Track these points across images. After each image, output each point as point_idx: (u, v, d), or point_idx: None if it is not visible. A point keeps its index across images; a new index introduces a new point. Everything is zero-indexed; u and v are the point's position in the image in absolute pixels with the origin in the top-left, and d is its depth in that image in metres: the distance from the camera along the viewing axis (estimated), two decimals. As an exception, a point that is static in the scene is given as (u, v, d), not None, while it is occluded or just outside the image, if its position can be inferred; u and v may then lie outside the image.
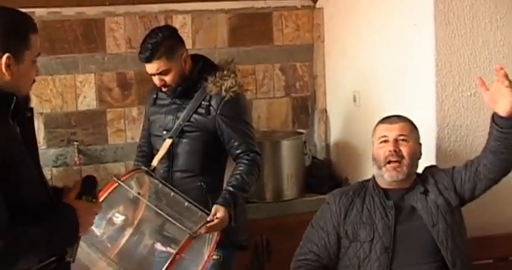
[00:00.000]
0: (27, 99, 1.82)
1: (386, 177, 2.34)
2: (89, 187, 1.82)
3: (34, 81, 1.83)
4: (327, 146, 3.76)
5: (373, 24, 3.13)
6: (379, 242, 2.27)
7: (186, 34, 3.60)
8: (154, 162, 2.63)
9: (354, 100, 3.36)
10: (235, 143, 2.58)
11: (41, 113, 3.37)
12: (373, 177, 2.44)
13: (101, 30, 3.50)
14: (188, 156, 2.64)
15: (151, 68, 2.61)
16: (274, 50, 3.75)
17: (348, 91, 3.43)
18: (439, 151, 2.65)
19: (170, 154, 2.64)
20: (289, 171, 3.28)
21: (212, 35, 3.65)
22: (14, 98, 1.70)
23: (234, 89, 2.59)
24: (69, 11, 3.45)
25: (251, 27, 3.70)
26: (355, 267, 2.31)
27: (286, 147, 3.27)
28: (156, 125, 2.74)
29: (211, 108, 2.59)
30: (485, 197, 2.66)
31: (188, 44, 3.60)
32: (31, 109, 1.83)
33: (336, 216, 2.36)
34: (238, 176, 2.53)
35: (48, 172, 3.38)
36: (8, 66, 1.71)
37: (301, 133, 3.46)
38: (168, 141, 2.63)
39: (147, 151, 2.83)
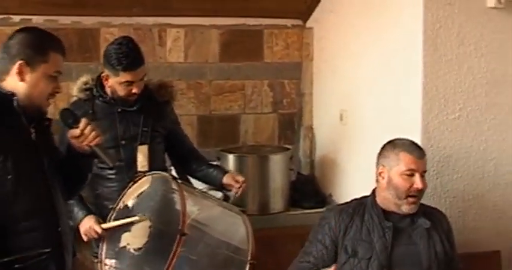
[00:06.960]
0: (42, 111, 2.00)
1: (404, 209, 2.37)
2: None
3: (52, 96, 2.00)
4: (312, 162, 3.82)
5: (362, 46, 3.20)
6: (376, 260, 2.31)
7: (178, 48, 3.68)
8: (142, 169, 2.65)
9: (341, 118, 3.42)
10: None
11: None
12: (373, 194, 2.46)
13: (95, 40, 3.55)
14: (160, 158, 2.81)
15: (136, 75, 2.60)
16: (263, 66, 3.83)
17: (335, 109, 3.50)
18: (423, 171, 2.73)
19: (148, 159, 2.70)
20: (276, 185, 3.33)
21: (204, 50, 3.72)
22: (15, 98, 1.89)
23: None
24: (66, 20, 3.50)
25: (242, 44, 3.78)
26: None
27: (274, 161, 3.33)
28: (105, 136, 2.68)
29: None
30: (467, 216, 2.77)
31: (180, 57, 3.69)
32: (50, 119, 2.05)
33: (335, 231, 2.39)
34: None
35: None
36: (20, 72, 1.91)
37: (288, 149, 3.51)
38: (144, 148, 2.68)
39: None
